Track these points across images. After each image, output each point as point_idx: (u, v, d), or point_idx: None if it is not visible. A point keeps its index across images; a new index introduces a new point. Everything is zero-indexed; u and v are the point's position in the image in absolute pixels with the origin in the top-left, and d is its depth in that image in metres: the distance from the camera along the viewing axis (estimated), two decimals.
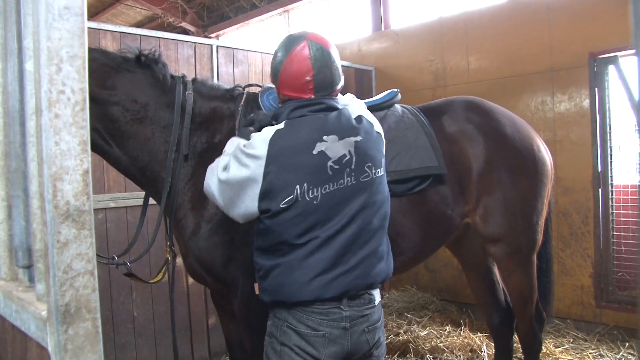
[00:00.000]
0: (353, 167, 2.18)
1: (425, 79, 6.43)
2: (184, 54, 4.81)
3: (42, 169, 0.94)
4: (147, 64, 2.79)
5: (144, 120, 2.71)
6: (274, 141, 2.13)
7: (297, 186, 2.09)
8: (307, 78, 2.22)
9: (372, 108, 3.21)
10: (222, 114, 2.91)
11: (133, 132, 2.69)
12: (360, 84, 6.68)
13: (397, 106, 3.35)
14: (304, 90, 2.24)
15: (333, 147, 2.15)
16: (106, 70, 2.64)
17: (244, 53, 5.37)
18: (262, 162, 2.10)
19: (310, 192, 2.11)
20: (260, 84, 3.09)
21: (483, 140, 3.30)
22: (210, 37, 10.02)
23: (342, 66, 6.62)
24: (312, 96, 2.24)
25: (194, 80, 2.96)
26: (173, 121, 2.75)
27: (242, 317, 2.80)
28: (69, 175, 0.94)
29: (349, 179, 2.17)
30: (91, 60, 2.51)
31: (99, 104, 2.57)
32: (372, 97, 3.46)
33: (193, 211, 2.77)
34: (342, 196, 2.16)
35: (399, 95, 3.39)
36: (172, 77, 2.89)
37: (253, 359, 2.87)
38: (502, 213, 3.29)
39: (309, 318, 2.13)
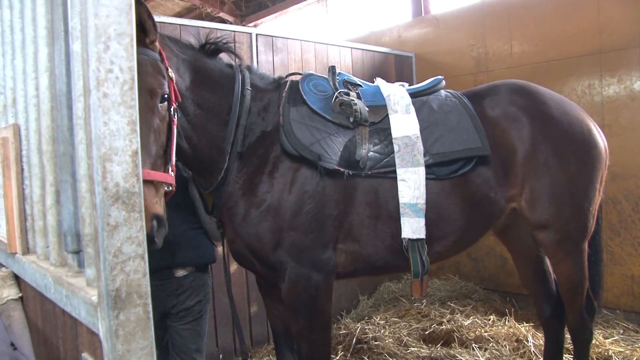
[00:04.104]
0: None
1: (466, 64, 6.28)
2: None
3: (90, 151, 0.92)
4: (212, 54, 2.84)
5: (209, 113, 2.73)
6: None
7: None
8: None
9: (416, 94, 3.19)
10: (274, 104, 2.93)
11: (199, 123, 2.70)
12: (400, 70, 6.58)
13: (441, 91, 3.33)
14: None
15: None
16: (184, 63, 2.66)
17: (283, 41, 5.33)
18: None
19: None
20: (301, 72, 3.12)
21: (528, 122, 3.19)
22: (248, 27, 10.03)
23: (382, 53, 6.56)
24: None
25: (249, 69, 2.97)
26: (231, 117, 2.77)
27: (289, 301, 2.82)
28: (118, 157, 0.91)
29: None
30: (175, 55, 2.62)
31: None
32: (412, 84, 3.43)
33: (244, 198, 2.78)
34: None
35: (443, 82, 3.39)
36: (231, 67, 2.91)
37: (298, 343, 2.89)
38: (549, 198, 3.18)
39: None
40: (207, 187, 2.86)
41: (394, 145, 2.92)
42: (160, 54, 2.38)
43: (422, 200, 2.87)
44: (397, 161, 2.89)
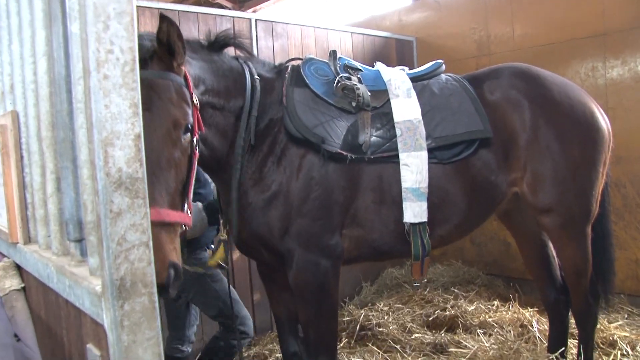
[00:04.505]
0: None
1: (468, 48, 6.21)
2: (223, 29, 4.73)
3: (92, 135, 0.88)
4: (221, 50, 2.76)
5: (223, 111, 2.66)
6: None
7: None
8: None
9: (416, 79, 3.17)
10: (278, 90, 2.87)
11: (214, 123, 2.61)
12: (401, 55, 6.51)
13: (442, 75, 3.30)
14: None
15: None
16: (200, 70, 2.56)
17: (283, 26, 5.27)
18: None
19: None
20: (301, 57, 3.08)
21: (529, 106, 3.17)
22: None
23: (382, 37, 6.50)
24: None
25: (251, 60, 2.91)
26: (243, 111, 2.70)
27: (297, 288, 2.80)
28: (120, 141, 0.87)
29: None
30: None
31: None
32: (413, 68, 3.40)
33: (254, 188, 2.74)
34: None
35: (443, 66, 3.36)
36: (237, 59, 2.85)
37: (306, 330, 2.87)
38: (552, 182, 3.16)
39: None
40: (225, 191, 2.80)
41: (396, 129, 2.90)
42: (185, 77, 2.24)
43: (424, 185, 2.86)
44: (399, 145, 2.87)
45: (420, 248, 2.89)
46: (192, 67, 2.47)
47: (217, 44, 2.73)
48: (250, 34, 4.94)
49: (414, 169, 2.86)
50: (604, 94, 5.10)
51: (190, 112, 2.18)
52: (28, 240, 1.73)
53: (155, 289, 0.91)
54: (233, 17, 4.89)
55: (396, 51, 6.50)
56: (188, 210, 2.11)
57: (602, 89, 5.15)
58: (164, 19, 2.05)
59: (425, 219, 2.86)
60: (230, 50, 2.93)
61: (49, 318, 1.35)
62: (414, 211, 2.85)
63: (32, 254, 1.45)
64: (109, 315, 0.89)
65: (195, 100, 2.27)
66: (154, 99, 2.03)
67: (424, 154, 2.89)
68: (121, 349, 0.87)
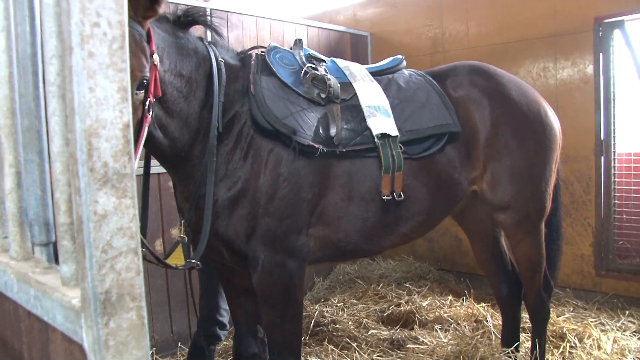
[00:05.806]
0: None
1: (423, 44, 6.23)
2: None
3: (72, 123, 0.74)
4: (185, 27, 2.53)
5: (188, 97, 2.45)
6: None
7: None
8: None
9: (377, 74, 3.12)
10: (245, 79, 2.70)
11: (176, 110, 2.39)
12: (355, 50, 6.47)
13: (404, 70, 3.28)
14: None
15: None
16: (163, 41, 2.33)
17: (239, 17, 5.10)
18: None
19: None
20: (264, 46, 2.95)
21: (488, 104, 3.19)
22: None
23: (337, 32, 6.43)
24: None
25: (215, 43, 2.72)
26: (213, 97, 2.50)
27: (262, 291, 2.66)
28: (106, 130, 0.74)
29: None
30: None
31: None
32: (367, 63, 3.37)
33: (217, 185, 2.53)
34: None
35: (404, 62, 3.34)
36: (201, 40, 2.65)
37: (271, 333, 2.74)
38: (509, 180, 3.20)
39: None
40: (184, 186, 2.61)
41: (345, 72, 2.94)
42: (148, 34, 2.06)
43: (386, 104, 2.87)
44: (350, 80, 2.91)
45: (390, 159, 2.79)
46: (156, 37, 2.26)
47: (184, 20, 2.50)
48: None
49: (371, 92, 2.87)
50: (554, 94, 5.21)
51: (148, 66, 2.01)
52: None
53: (144, 302, 0.79)
54: (187, 5, 4.68)
55: (351, 46, 6.45)
56: None
57: (553, 88, 5.26)
58: None
59: (395, 133, 2.81)
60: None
61: (5, 331, 1.19)
62: (382, 122, 2.79)
63: None
64: (91, 334, 0.76)
65: (156, 58, 2.10)
66: None
67: (376, 85, 2.94)
68: None
